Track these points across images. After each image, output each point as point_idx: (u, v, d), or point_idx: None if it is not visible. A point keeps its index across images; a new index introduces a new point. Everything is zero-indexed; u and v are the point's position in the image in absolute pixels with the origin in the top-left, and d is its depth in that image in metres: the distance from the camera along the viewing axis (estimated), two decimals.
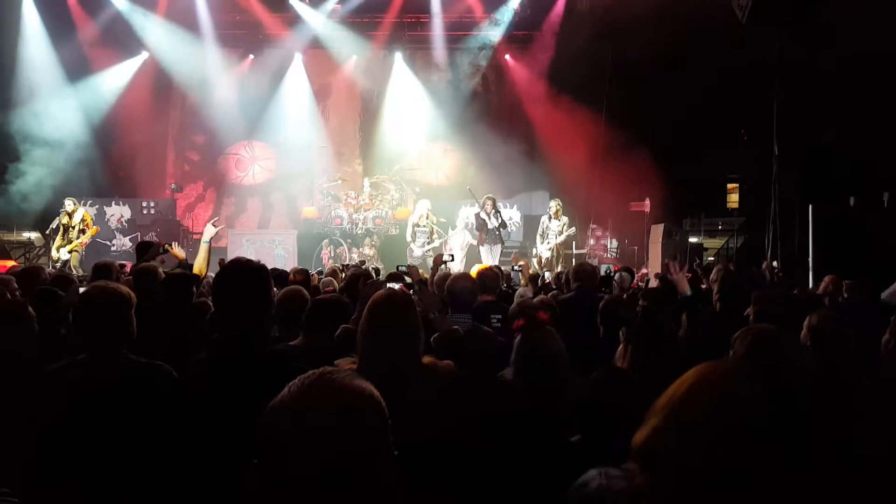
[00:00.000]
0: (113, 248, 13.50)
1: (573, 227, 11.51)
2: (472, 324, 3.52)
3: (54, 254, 10.22)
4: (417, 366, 2.26)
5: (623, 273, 6.72)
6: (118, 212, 13.95)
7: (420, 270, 5.12)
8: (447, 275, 4.86)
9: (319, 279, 6.58)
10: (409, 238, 11.86)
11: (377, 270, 9.02)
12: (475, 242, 11.72)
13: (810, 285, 7.72)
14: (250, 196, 16.00)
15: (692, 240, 13.74)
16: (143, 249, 5.56)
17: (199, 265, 4.77)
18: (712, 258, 13.39)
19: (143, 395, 2.30)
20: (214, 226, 5.12)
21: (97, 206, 13.60)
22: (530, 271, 8.08)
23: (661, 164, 13.02)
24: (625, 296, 4.77)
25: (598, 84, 13.44)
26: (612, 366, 2.56)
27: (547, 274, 8.56)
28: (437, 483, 1.95)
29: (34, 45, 13.54)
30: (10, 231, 13.40)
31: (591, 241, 13.47)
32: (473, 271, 5.45)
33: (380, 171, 14.75)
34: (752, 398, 1.14)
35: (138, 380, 2.35)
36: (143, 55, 14.71)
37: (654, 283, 6.47)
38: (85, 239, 10.43)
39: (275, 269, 6.03)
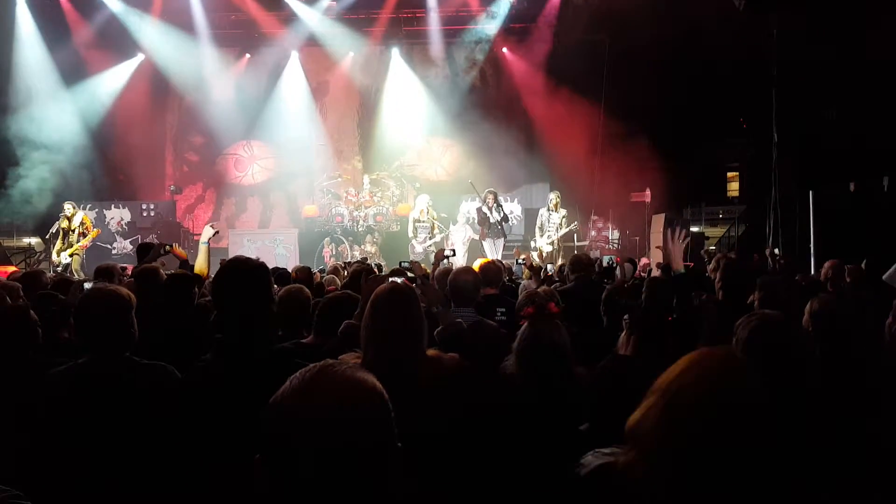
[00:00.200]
0: (114, 252, 13.50)
1: (575, 222, 11.49)
2: (477, 318, 3.51)
3: (55, 258, 10.21)
4: (421, 358, 2.26)
5: (626, 263, 6.73)
6: (118, 215, 13.96)
7: (423, 266, 5.11)
8: (448, 269, 4.85)
9: (322, 277, 6.57)
10: (410, 234, 11.85)
11: (380, 267, 9.01)
12: (476, 237, 11.71)
13: (812, 271, 7.72)
14: (250, 196, 16.00)
15: (693, 229, 13.72)
16: (144, 251, 5.55)
17: (199, 266, 4.77)
18: (714, 247, 13.38)
19: (147, 396, 2.29)
20: (212, 227, 5.13)
21: (97, 210, 13.61)
22: (533, 264, 8.06)
23: (660, 154, 13.01)
24: (626, 285, 4.77)
25: (597, 75, 13.41)
26: (618, 354, 2.56)
27: (549, 267, 8.55)
28: (443, 475, 1.94)
29: (29, 49, 13.48)
30: (11, 237, 13.41)
31: (593, 233, 13.45)
32: (475, 265, 5.44)
33: (379, 167, 14.72)
34: (743, 382, 1.15)
35: (141, 381, 2.34)
36: (139, 57, 14.67)
37: (656, 273, 6.46)
38: (86, 242, 10.42)
39: (277, 269, 6.04)
